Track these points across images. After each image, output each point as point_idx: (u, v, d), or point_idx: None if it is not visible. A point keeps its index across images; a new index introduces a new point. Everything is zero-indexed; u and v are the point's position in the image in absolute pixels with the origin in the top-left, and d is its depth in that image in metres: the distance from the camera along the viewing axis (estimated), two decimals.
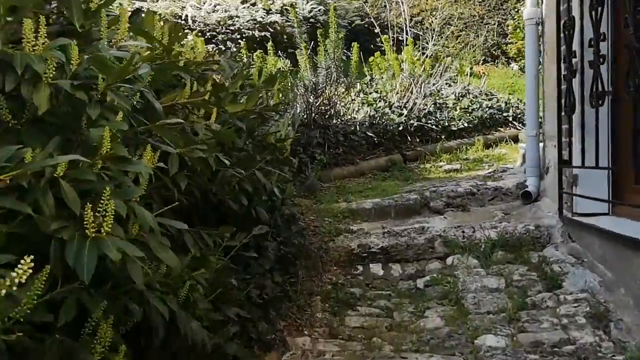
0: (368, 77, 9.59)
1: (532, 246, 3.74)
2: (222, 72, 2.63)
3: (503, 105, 8.50)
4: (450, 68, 9.98)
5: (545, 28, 4.49)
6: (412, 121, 7.19)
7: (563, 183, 3.79)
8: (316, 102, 6.17)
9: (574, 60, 3.52)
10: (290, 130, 4.04)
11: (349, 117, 6.93)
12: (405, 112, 7.26)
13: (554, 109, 4.24)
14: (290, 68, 9.06)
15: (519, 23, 12.54)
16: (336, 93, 6.38)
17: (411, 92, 7.88)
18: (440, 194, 4.78)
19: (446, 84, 9.39)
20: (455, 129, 7.56)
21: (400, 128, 6.98)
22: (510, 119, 8.29)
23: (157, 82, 2.11)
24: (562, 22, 3.73)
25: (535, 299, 3.03)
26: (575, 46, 3.48)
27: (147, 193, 1.83)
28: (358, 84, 9.01)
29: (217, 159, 2.21)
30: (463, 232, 3.92)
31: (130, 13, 2.25)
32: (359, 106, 7.81)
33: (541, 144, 4.68)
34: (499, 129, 8.12)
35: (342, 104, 6.87)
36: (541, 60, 4.65)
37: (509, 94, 10.74)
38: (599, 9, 3.09)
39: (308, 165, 5.63)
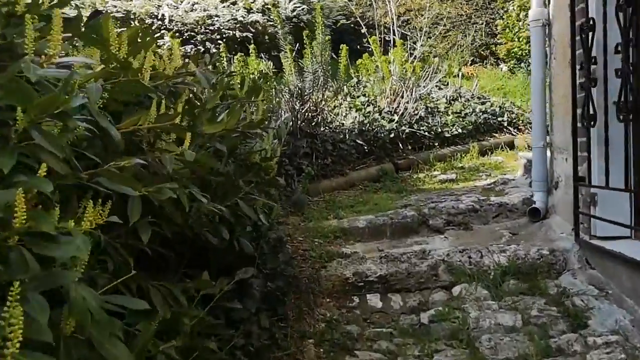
0: (355, 79, 9.23)
1: (547, 273, 3.39)
2: (197, 85, 2.24)
3: (497, 109, 8.19)
4: (440, 70, 9.67)
5: (553, 30, 4.15)
6: (403, 127, 6.84)
7: (579, 202, 3.45)
8: (302, 109, 5.78)
9: (593, 67, 3.18)
10: (277, 145, 3.65)
11: (337, 123, 6.56)
12: (396, 117, 6.91)
13: (564, 118, 3.90)
14: (274, 70, 8.71)
15: (508, 22, 12.30)
16: (324, 99, 6.00)
17: (401, 97, 7.53)
18: (440, 211, 4.41)
19: (436, 86, 9.06)
20: (449, 135, 7.22)
21: (392, 135, 6.62)
22: (505, 124, 7.98)
23: (117, 101, 1.72)
24: (577, 24, 3.39)
25: (560, 341, 2.67)
26: (596, 51, 3.13)
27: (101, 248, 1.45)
28: (345, 87, 8.66)
29: (192, 195, 1.82)
30: (469, 257, 3.55)
31: (88, 16, 1.85)
32: (346, 111, 7.44)
33: (547, 155, 4.34)
34: (494, 134, 7.81)
35: (330, 109, 6.50)
36: (548, 64, 4.30)
37: (502, 96, 10.47)
38: (629, 10, 2.75)
39: (294, 178, 5.24)
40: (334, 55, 7.84)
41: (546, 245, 3.61)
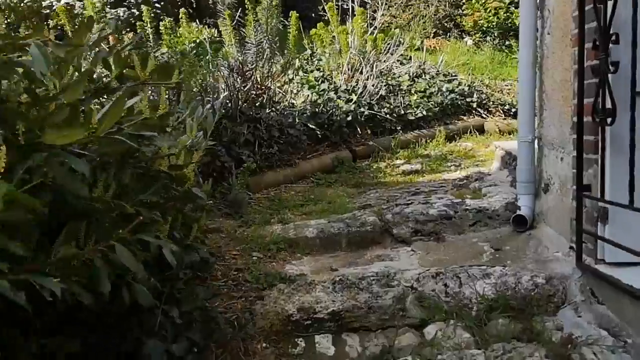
0: (309, 52, 8.42)
1: (544, 307, 2.72)
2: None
3: (466, 89, 7.51)
4: (402, 42, 8.94)
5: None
6: (362, 109, 6.09)
7: (583, 217, 2.78)
8: (244, 87, 4.96)
9: (613, 46, 2.47)
10: (201, 140, 2.86)
11: (287, 103, 5.76)
12: (354, 97, 6.15)
13: (561, 109, 3.22)
14: (218, 40, 7.84)
15: None
16: (269, 75, 5.18)
17: (360, 72, 6.77)
18: (406, 217, 3.70)
19: (398, 61, 8.33)
20: (413, 118, 6.52)
21: (349, 118, 5.87)
22: (475, 105, 7.31)
23: None
24: None
25: None
26: (619, 26, 2.42)
27: None
28: (297, 60, 7.84)
29: None
30: (445, 285, 2.85)
31: None
32: (298, 88, 6.64)
33: (535, 149, 3.67)
34: (462, 117, 7.15)
35: (278, 85, 5.69)
36: (540, 40, 3.60)
37: (469, 73, 9.84)
38: None
39: (232, 171, 4.44)
40: (286, 22, 7.01)
41: (540, 269, 2.94)
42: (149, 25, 4.40)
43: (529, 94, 3.63)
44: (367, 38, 6.85)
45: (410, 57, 9.01)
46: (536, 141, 3.65)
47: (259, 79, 5.03)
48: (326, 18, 8.40)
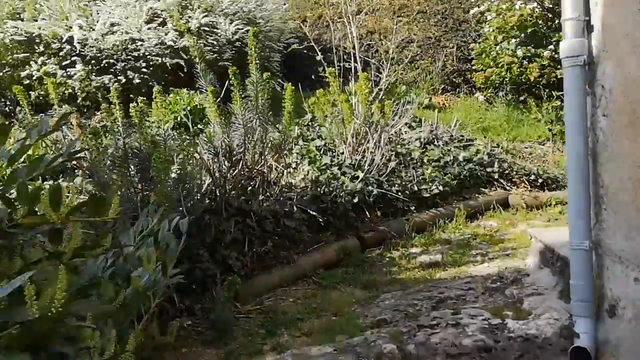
0: (309, 116, 7.83)
1: None
2: None
3: (485, 157, 6.81)
4: (411, 102, 8.36)
5: (602, 73, 2.77)
6: (370, 187, 5.41)
7: None
8: (232, 173, 4.30)
9: None
10: (160, 279, 2.18)
11: (284, 182, 5.09)
12: (360, 174, 5.47)
13: (631, 214, 2.52)
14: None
15: (484, 47, 11.08)
16: (262, 156, 4.51)
17: (367, 141, 6.13)
18: (433, 350, 2.95)
19: (406, 124, 7.71)
20: (428, 195, 5.81)
21: (356, 199, 5.18)
22: (496, 176, 6.60)
23: None
24: None
25: None
26: None
27: None
28: (296, 127, 7.25)
29: None
30: None
31: None
32: (297, 160, 6.01)
33: (593, 259, 2.94)
34: (482, 190, 6.43)
35: (274, 166, 5.03)
36: (591, 123, 2.92)
37: (481, 132, 9.21)
38: None
39: (217, 280, 3.73)
40: (284, 84, 6.42)
41: None
42: (117, 108, 3.74)
43: (581, 189, 2.92)
44: (373, 105, 6.23)
45: (420, 119, 8.39)
46: (593, 250, 2.93)
47: (249, 163, 4.37)
48: (327, 79, 7.84)
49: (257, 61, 4.30)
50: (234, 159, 4.22)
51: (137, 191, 3.74)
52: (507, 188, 6.46)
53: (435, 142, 7.18)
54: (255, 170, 4.45)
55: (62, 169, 4.87)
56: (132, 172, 3.75)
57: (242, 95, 4.16)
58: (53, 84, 4.56)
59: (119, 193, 3.56)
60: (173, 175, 3.82)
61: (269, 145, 4.43)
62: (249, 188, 4.39)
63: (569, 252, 2.97)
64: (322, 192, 5.02)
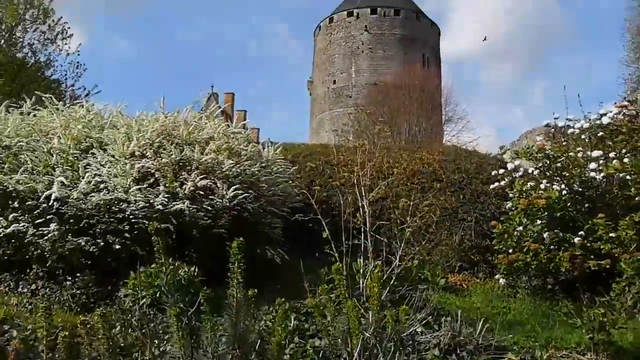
0: (308, 301, 6.84)
1: None
2: None
3: None
4: (427, 284, 7.39)
5: None
6: None
7: None
8: None
9: None
10: None
11: None
12: None
13: None
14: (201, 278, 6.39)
15: (507, 227, 10.25)
16: None
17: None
18: None
19: (421, 321, 6.64)
20: None
21: None
22: None
23: None
24: None
25: None
26: None
27: None
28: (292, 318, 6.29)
29: None
30: None
31: None
32: None
33: None
34: None
35: None
36: None
37: (503, 328, 8.07)
38: None
39: None
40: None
41: None
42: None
43: None
44: (387, 314, 5.23)
45: (437, 309, 7.36)
46: None
47: None
48: (333, 259, 6.94)
49: (240, 276, 3.38)
50: None
51: None
52: None
53: (458, 352, 6.09)
54: None
55: None
56: None
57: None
58: None
59: None
60: None
61: None
62: None
63: None
64: None
